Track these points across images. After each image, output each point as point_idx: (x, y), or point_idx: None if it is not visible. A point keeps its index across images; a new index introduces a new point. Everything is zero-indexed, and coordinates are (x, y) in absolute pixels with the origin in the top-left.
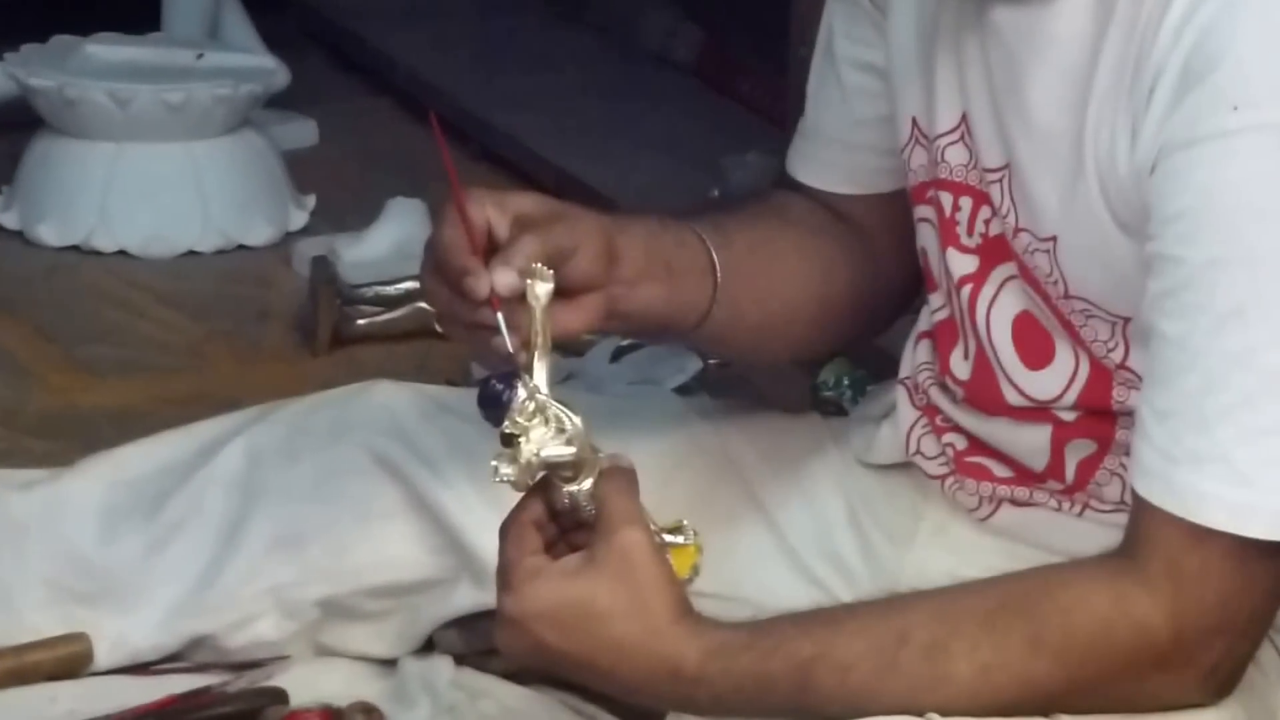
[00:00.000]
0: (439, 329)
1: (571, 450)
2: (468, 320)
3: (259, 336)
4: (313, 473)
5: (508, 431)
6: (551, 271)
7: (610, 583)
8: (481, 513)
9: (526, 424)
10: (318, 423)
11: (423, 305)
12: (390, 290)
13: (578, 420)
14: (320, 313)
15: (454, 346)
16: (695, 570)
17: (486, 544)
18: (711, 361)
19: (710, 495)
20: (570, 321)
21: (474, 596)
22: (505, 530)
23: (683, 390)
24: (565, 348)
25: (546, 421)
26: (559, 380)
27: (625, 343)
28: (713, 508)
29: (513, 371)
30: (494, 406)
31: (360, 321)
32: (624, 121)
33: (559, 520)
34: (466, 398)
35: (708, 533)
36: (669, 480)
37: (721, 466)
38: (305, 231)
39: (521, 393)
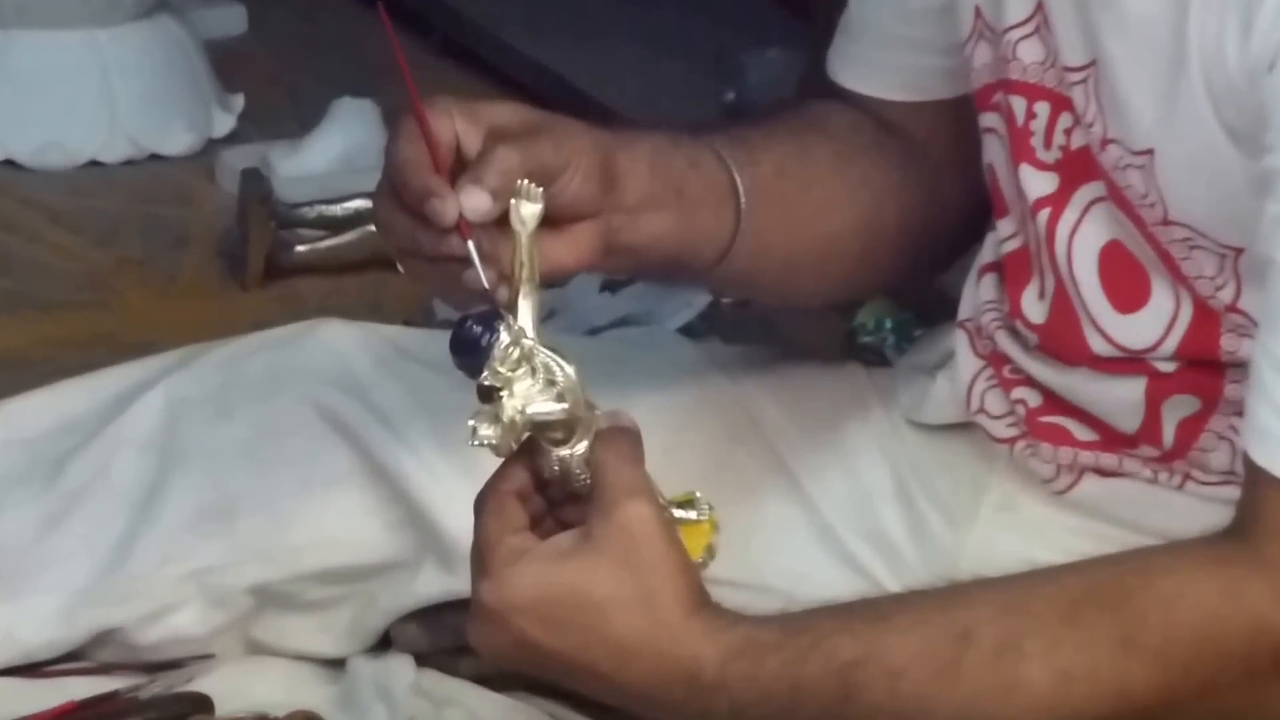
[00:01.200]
0: (400, 265)
1: (563, 407)
2: (432, 252)
3: (177, 266)
4: (245, 431)
5: (487, 384)
6: (540, 190)
7: (610, 567)
8: (451, 482)
9: (510, 374)
10: (251, 370)
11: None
12: (336, 210)
13: (570, 370)
14: (251, 237)
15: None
16: (711, 552)
17: (457, 519)
18: (726, 300)
19: (728, 461)
20: (561, 255)
21: (441, 583)
22: (482, 503)
23: (689, 331)
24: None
25: (533, 372)
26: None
27: None
28: (731, 477)
29: (493, 312)
30: (470, 353)
31: (300, 248)
32: (620, 11)
33: (547, 491)
34: (432, 341)
35: (725, 507)
36: (678, 443)
37: (741, 426)
38: (232, 139)
39: (504, 337)
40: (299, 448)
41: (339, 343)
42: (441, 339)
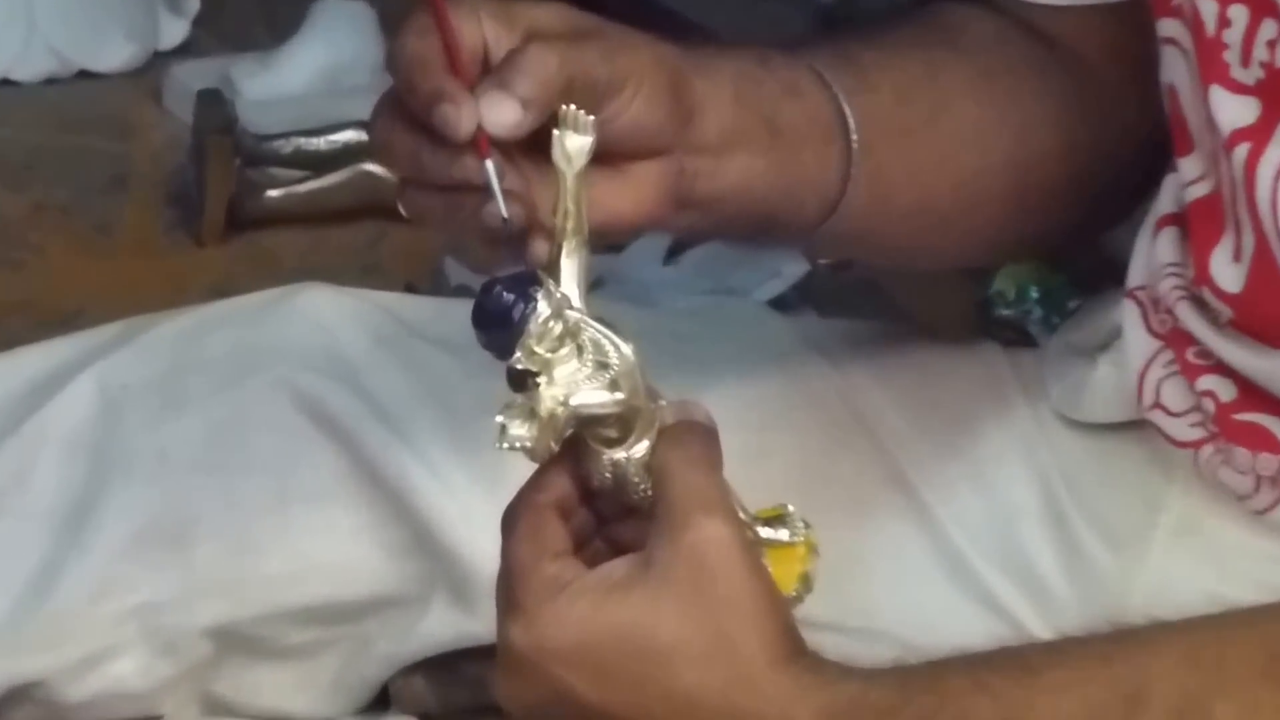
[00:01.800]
0: (400, 207)
1: (618, 397)
2: (441, 178)
3: (113, 215)
4: (202, 428)
5: (520, 368)
6: (591, 119)
7: (677, 603)
8: (470, 494)
9: (549, 355)
10: (210, 350)
11: (371, 168)
12: (318, 143)
13: (627, 350)
14: (209, 178)
15: (420, 233)
16: (807, 584)
17: (477, 541)
18: (823, 261)
19: (828, 469)
20: (617, 205)
21: (455, 623)
22: (512, 519)
23: (780, 304)
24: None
25: (580, 352)
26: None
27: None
28: (833, 489)
29: (528, 274)
30: (499, 328)
31: (272, 193)
32: None
33: (596, 505)
34: (445, 312)
35: (825, 526)
36: (765, 445)
37: (844, 425)
38: (184, 51)
39: (543, 307)
40: (272, 450)
41: (324, 314)
42: (458, 310)
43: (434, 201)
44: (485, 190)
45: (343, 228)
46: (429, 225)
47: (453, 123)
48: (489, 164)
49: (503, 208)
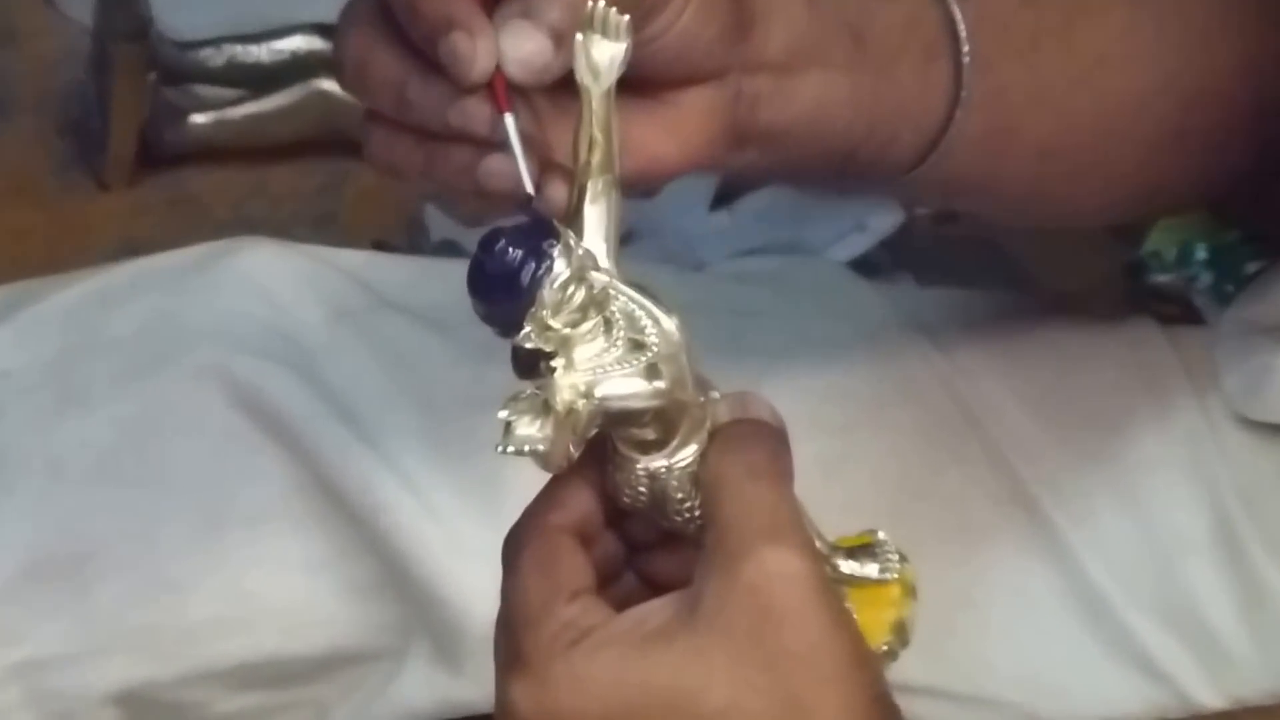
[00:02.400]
0: (366, 147)
1: (657, 386)
2: (436, 124)
3: None
4: (108, 431)
5: (531, 348)
6: (625, 19)
7: (733, 659)
8: (457, 515)
9: (569, 332)
10: (117, 327)
11: (329, 87)
12: (258, 54)
13: (671, 324)
14: (116, 100)
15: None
16: (902, 635)
17: (467, 577)
18: (922, 211)
19: (930, 484)
20: (660, 146)
21: (437, 686)
22: (517, 547)
23: (864, 267)
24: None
25: (607, 327)
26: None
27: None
28: (936, 509)
29: (540, 224)
30: (503, 294)
31: (198, 119)
32: None
33: (627, 529)
34: (425, 275)
35: (926, 560)
36: (849, 452)
37: (951, 425)
38: None
39: (560, 267)
40: (199, 458)
41: (267, 279)
42: (443, 272)
43: (413, 151)
44: (494, 143)
45: (291, 165)
46: (401, 177)
47: (464, 58)
48: (509, 119)
49: (527, 179)
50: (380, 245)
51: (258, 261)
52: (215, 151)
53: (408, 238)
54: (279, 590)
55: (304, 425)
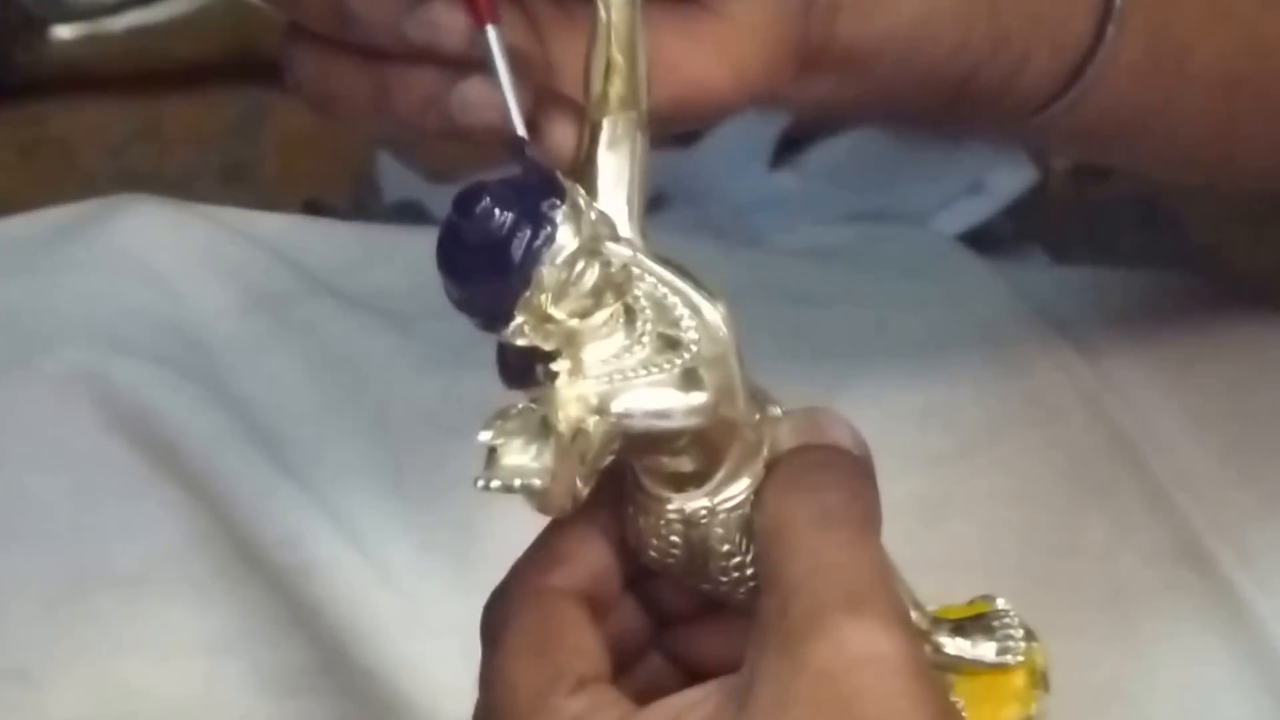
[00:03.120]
0: (289, 73)
1: (697, 401)
2: (385, 42)
3: None
4: None
5: (524, 345)
6: None
7: None
8: (423, 579)
9: (577, 324)
10: None
11: None
12: None
13: (715, 315)
14: None
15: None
16: None
17: (428, 662)
18: (1060, 165)
19: (1068, 533)
20: (703, 69)
21: None
22: (503, 619)
23: (983, 240)
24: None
25: (630, 319)
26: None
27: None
28: (1075, 565)
29: (538, 178)
30: (487, 273)
31: (62, 33)
32: None
33: (654, 594)
34: (376, 250)
35: (1064, 634)
36: (958, 491)
37: (1097, 453)
38: None
39: (564, 235)
40: (61, 498)
41: (157, 252)
42: (400, 244)
43: (356, 78)
44: (465, 67)
45: (190, 97)
46: (340, 114)
47: None
48: (493, 33)
49: (517, 115)
50: (314, 207)
51: (143, 229)
52: (86, 78)
53: (352, 197)
54: (170, 682)
55: (206, 453)
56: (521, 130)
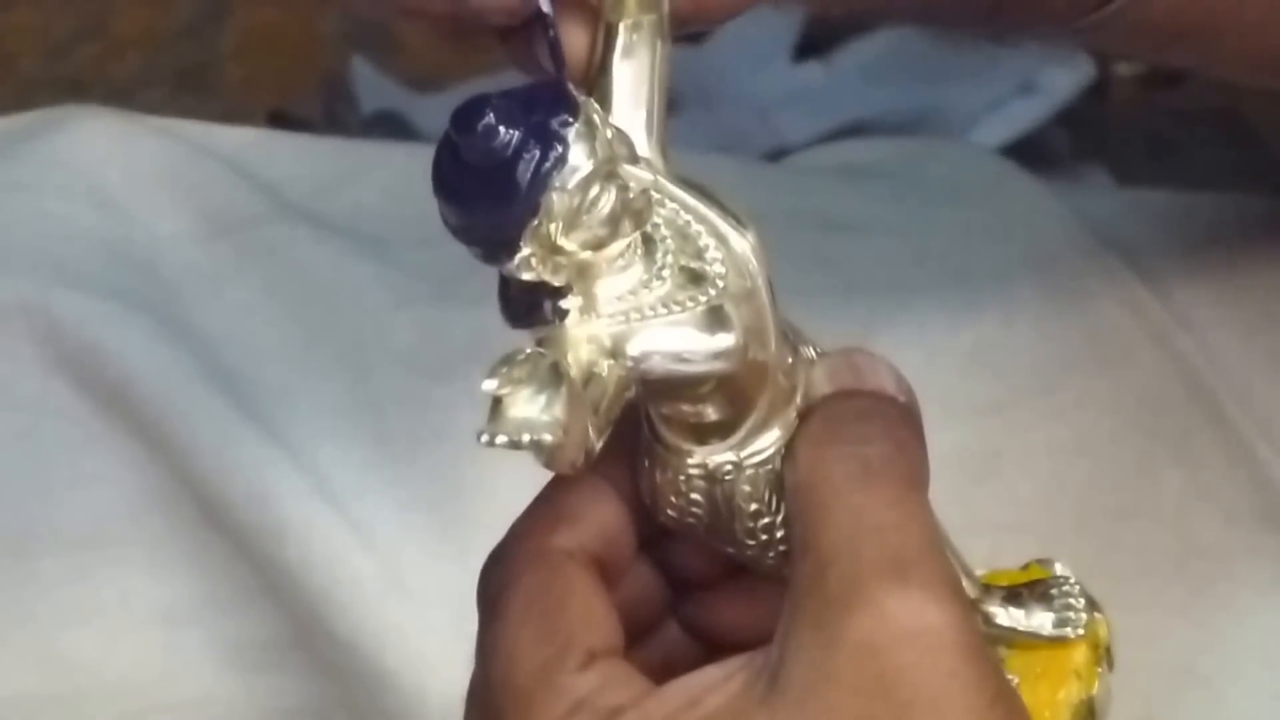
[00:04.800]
0: None
1: (725, 342)
2: None
3: None
4: None
5: (530, 277)
6: None
7: None
8: (407, 540)
9: (590, 256)
10: None
11: None
12: None
13: (744, 244)
14: None
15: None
16: (1092, 715)
17: (415, 632)
18: (1124, 69)
19: (1137, 492)
20: None
21: None
22: (502, 584)
23: (1034, 153)
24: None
25: (649, 250)
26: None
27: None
28: (1148, 530)
29: (546, 89)
30: (490, 197)
31: None
32: None
33: (671, 558)
34: (356, 169)
35: (1131, 607)
36: (1009, 444)
37: (1173, 404)
38: None
39: (577, 156)
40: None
41: (105, 169)
42: (381, 161)
43: None
44: None
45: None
46: None
47: None
48: None
49: None
50: (280, 118)
51: (88, 143)
52: None
53: (324, 108)
54: (122, 655)
55: (162, 397)
56: (547, 5)
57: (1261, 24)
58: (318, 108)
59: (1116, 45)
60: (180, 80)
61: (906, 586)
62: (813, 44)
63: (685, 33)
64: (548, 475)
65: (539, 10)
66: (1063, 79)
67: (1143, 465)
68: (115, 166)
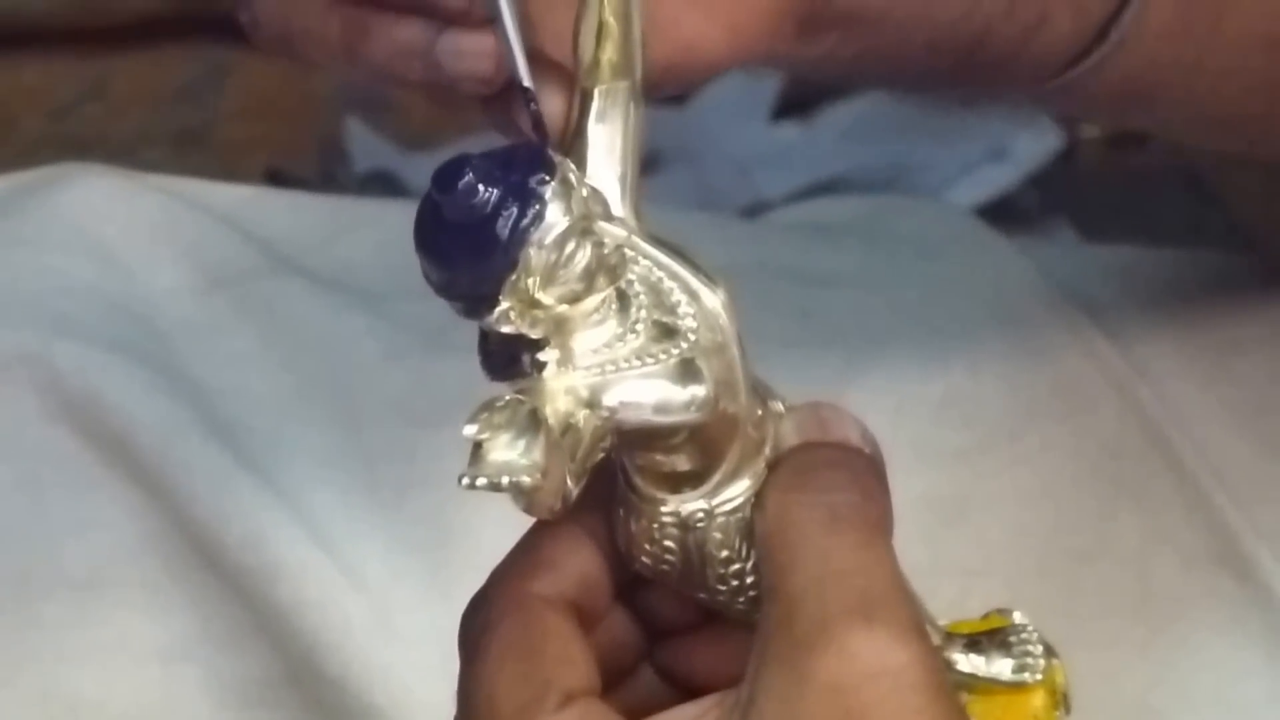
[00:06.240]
0: (242, 18)
1: (697, 394)
2: None
3: None
4: None
5: (509, 330)
6: None
7: None
8: (395, 582)
9: (567, 310)
10: None
11: None
12: None
13: (715, 301)
14: None
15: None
16: None
17: (400, 671)
18: (1088, 132)
19: (1097, 537)
20: (698, 29)
21: None
22: (483, 628)
23: (1004, 213)
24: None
25: (623, 305)
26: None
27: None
28: (1107, 574)
29: (525, 150)
30: (470, 254)
31: None
32: None
33: (646, 604)
34: (346, 226)
35: (1089, 649)
36: (975, 491)
37: (1130, 452)
38: None
39: (553, 214)
40: (3, 493)
41: (105, 226)
42: (372, 218)
43: (326, 17)
44: (458, 16)
45: (139, 56)
46: (303, 58)
47: None
48: None
49: (523, 65)
50: (276, 177)
51: (89, 200)
52: (26, 33)
53: (319, 166)
54: (122, 692)
55: (160, 444)
56: (528, 79)
57: (1214, 90)
58: (313, 166)
59: (1078, 109)
60: (179, 140)
61: (872, 627)
62: (791, 104)
63: (665, 90)
64: (530, 521)
65: (520, 84)
66: (1033, 146)
67: (1104, 510)
68: (115, 222)
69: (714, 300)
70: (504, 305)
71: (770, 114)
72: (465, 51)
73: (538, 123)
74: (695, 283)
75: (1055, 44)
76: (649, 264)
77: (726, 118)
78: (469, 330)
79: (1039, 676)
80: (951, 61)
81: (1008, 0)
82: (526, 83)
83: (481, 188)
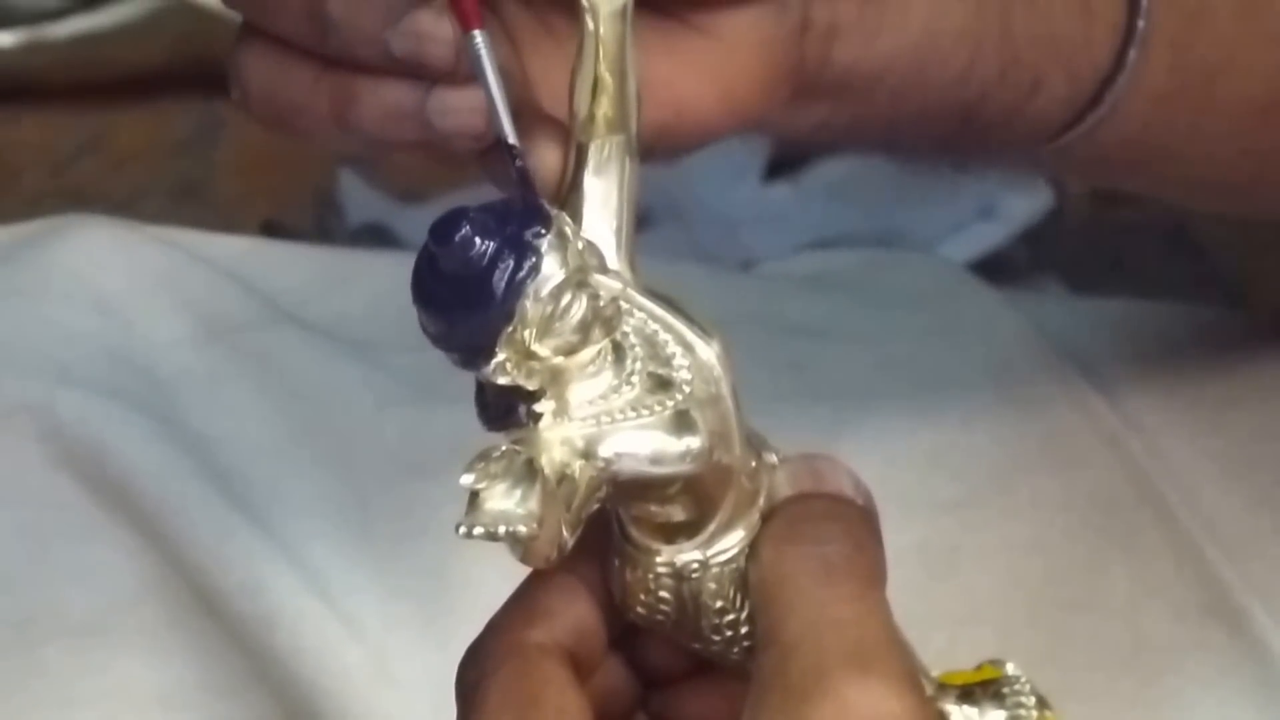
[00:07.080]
0: (236, 78)
1: (692, 445)
2: (373, 51)
3: None
4: None
5: (505, 381)
6: None
7: None
8: (392, 631)
9: (562, 362)
10: None
11: None
12: None
13: (709, 353)
14: None
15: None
16: None
17: (394, 710)
18: (1077, 190)
19: (1089, 589)
20: (693, 92)
21: None
22: (480, 677)
23: (995, 269)
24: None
25: (618, 357)
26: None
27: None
28: (1098, 626)
29: (521, 205)
30: (466, 307)
31: (2, 39)
32: None
33: (641, 654)
34: (342, 278)
35: (1082, 701)
36: (966, 542)
37: (1121, 504)
38: None
39: (550, 267)
40: (5, 540)
41: (105, 277)
42: (366, 270)
43: (314, 89)
44: (444, 78)
45: (137, 111)
46: (292, 129)
47: None
48: (479, 36)
49: (508, 123)
50: (272, 229)
51: (90, 251)
52: (27, 89)
53: (313, 219)
54: None
55: (159, 492)
56: (513, 136)
57: (1208, 154)
58: (308, 219)
59: (1073, 172)
60: (178, 192)
61: (867, 677)
62: (782, 164)
63: (658, 152)
64: (526, 570)
65: (505, 140)
66: (1022, 205)
67: (1094, 562)
68: (116, 273)
69: (708, 352)
70: (500, 357)
71: (762, 174)
72: (454, 109)
73: (524, 178)
74: (690, 335)
75: (1049, 109)
76: (644, 316)
77: (718, 177)
78: (464, 380)
79: None
80: (945, 127)
81: (1001, 65)
82: (511, 139)
83: (478, 240)
